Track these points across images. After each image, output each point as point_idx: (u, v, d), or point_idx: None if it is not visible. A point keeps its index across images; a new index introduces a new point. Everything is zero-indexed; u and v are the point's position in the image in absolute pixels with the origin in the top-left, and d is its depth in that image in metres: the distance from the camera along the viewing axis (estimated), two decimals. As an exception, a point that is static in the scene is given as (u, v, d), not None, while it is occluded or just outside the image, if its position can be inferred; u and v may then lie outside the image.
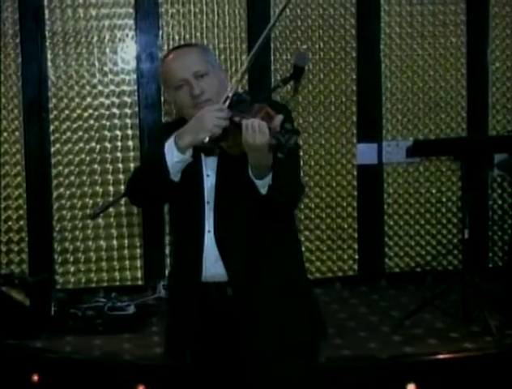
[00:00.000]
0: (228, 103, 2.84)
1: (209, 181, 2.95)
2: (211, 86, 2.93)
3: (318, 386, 3.08)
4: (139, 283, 6.01)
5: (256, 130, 2.65)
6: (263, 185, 2.78)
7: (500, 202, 6.25)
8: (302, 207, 6.00)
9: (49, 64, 5.82)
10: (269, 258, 2.96)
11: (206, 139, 2.79)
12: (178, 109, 3.04)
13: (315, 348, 3.07)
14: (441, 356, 4.57)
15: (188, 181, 2.93)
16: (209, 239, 2.94)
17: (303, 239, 5.93)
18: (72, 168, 5.89)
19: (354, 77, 6.06)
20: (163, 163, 2.85)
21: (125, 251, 5.98)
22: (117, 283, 5.98)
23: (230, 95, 2.85)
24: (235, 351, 2.98)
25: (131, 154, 5.93)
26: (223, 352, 3.01)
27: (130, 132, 5.93)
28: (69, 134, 5.87)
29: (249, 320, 2.94)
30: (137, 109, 5.92)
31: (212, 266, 2.94)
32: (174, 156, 2.84)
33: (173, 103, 3.05)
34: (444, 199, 6.20)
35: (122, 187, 5.88)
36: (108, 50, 5.89)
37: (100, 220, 5.89)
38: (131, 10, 5.88)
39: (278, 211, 2.93)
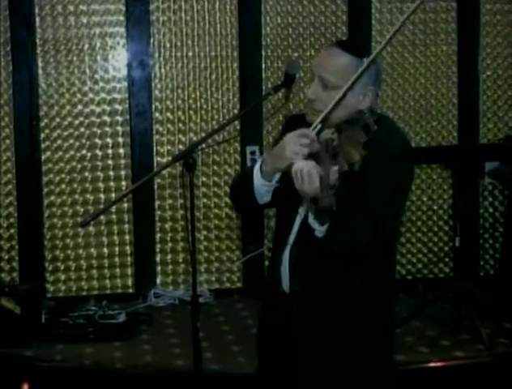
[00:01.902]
0: (317, 129, 2.68)
1: None
2: (330, 100, 2.72)
3: None
4: (130, 291, 5.99)
5: (304, 180, 2.49)
6: (320, 231, 2.61)
7: (491, 210, 6.26)
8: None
9: (40, 72, 5.82)
10: (338, 291, 2.80)
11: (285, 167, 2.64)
12: None
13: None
14: (432, 365, 4.57)
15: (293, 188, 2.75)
16: (286, 252, 2.85)
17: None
18: (63, 175, 5.88)
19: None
20: (249, 184, 2.76)
21: (116, 259, 5.97)
22: (108, 291, 5.96)
23: (319, 120, 2.70)
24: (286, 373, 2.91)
25: (122, 161, 5.93)
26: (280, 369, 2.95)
27: (120, 140, 5.93)
28: (60, 141, 5.86)
29: (298, 344, 2.85)
30: (128, 117, 5.92)
31: (284, 279, 2.87)
32: (260, 181, 2.74)
33: None
34: (435, 207, 6.20)
35: (113, 195, 5.88)
36: (99, 58, 5.89)
37: (90, 228, 5.88)
38: (122, 18, 5.88)
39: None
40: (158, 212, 6.00)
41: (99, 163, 5.92)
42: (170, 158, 5.48)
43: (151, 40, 5.91)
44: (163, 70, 5.93)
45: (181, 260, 6.02)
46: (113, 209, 5.89)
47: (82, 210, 5.90)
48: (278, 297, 2.90)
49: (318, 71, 2.79)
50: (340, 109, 2.74)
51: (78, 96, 5.88)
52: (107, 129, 5.91)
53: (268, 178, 2.74)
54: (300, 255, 2.82)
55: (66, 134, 5.87)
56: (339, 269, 2.78)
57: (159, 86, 5.94)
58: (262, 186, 2.76)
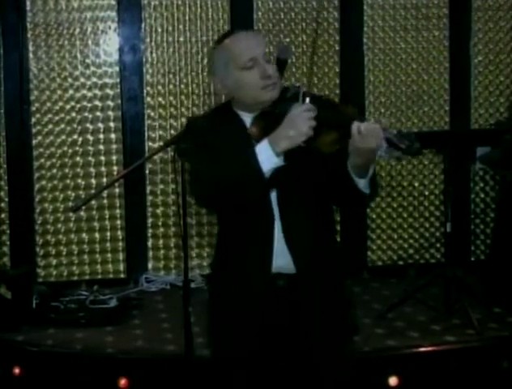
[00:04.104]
0: (307, 100, 2.79)
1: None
2: (275, 72, 2.91)
3: (353, 372, 3.08)
4: (121, 276, 6.00)
5: (374, 135, 2.66)
6: (365, 185, 2.79)
7: (482, 195, 6.27)
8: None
9: (31, 56, 5.80)
10: (326, 248, 2.98)
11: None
12: (239, 90, 2.92)
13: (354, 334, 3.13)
14: (423, 349, 4.58)
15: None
16: (276, 229, 2.91)
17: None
18: (54, 160, 5.87)
19: (337, 70, 6.06)
20: (259, 171, 2.75)
21: (108, 244, 5.97)
22: (99, 276, 5.97)
23: (303, 91, 2.82)
24: (289, 341, 2.97)
25: (113, 146, 5.92)
26: (276, 345, 2.98)
27: (112, 125, 5.92)
28: (51, 126, 5.85)
29: (307, 311, 2.94)
30: (119, 102, 5.91)
31: (280, 256, 2.91)
32: (273, 163, 2.76)
33: (232, 84, 2.93)
34: (426, 193, 6.21)
35: (105, 180, 5.87)
36: (90, 42, 5.87)
37: (82, 213, 5.87)
38: (113, 2, 5.86)
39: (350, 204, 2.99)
40: (149, 197, 6.00)
41: (90, 148, 5.91)
42: (162, 143, 5.49)
43: (143, 25, 5.89)
44: (154, 54, 5.92)
45: (172, 245, 6.02)
46: (105, 194, 5.89)
47: (73, 195, 5.89)
48: (268, 277, 2.92)
49: (258, 51, 2.91)
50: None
51: (70, 80, 5.86)
52: (98, 114, 5.90)
53: (279, 157, 2.78)
54: (295, 226, 2.90)
55: (57, 118, 5.86)
56: (326, 227, 3.01)
57: (150, 71, 5.92)
58: (271, 169, 2.77)
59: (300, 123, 2.72)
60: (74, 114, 5.87)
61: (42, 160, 5.86)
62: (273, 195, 2.90)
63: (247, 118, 2.92)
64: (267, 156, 2.75)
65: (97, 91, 5.89)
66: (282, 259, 2.90)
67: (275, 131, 2.76)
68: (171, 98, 5.96)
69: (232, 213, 2.99)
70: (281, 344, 2.96)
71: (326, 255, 2.96)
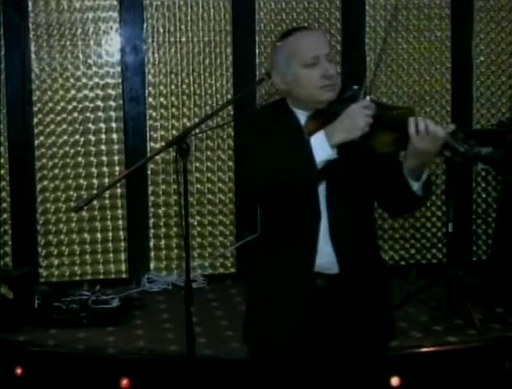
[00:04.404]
0: (368, 98, 2.82)
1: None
2: (337, 73, 2.93)
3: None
4: (123, 276, 6.00)
5: (433, 138, 2.66)
6: (418, 188, 2.81)
7: (484, 195, 6.27)
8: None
9: (33, 56, 5.80)
10: (368, 248, 3.01)
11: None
12: (298, 87, 2.91)
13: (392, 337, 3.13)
14: (425, 349, 4.58)
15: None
16: (322, 227, 2.90)
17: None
18: (56, 160, 5.87)
19: (339, 71, 6.06)
20: (312, 160, 2.73)
21: (110, 244, 5.97)
22: (101, 276, 5.97)
23: (364, 90, 2.85)
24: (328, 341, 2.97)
25: (115, 147, 5.92)
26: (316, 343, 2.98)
27: (114, 125, 5.92)
28: (53, 126, 5.85)
29: (347, 311, 2.94)
30: (121, 102, 5.91)
31: (324, 255, 2.91)
32: (327, 154, 2.73)
33: (292, 81, 2.92)
34: (428, 193, 6.20)
35: (106, 180, 5.87)
36: (92, 43, 5.87)
37: (84, 213, 5.88)
38: (115, 3, 5.86)
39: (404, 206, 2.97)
40: (151, 198, 6.00)
41: (92, 148, 5.91)
42: (163, 143, 5.49)
43: (145, 25, 5.89)
44: (156, 55, 5.92)
45: (174, 245, 6.03)
46: (107, 194, 5.89)
47: (75, 195, 5.90)
48: (310, 275, 2.92)
49: (322, 50, 2.90)
50: None
51: (72, 80, 5.86)
52: (100, 114, 5.90)
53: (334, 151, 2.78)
54: (341, 224, 2.90)
55: (59, 119, 5.86)
56: (368, 225, 3.04)
57: (152, 71, 5.92)
58: (323, 161, 2.75)
59: (357, 117, 2.71)
60: (76, 114, 5.88)
61: (44, 161, 5.86)
62: (321, 190, 2.89)
63: (302, 116, 2.93)
64: (322, 148, 2.74)
65: (99, 92, 5.89)
66: (325, 258, 2.90)
67: (331, 124, 2.76)
68: (173, 98, 5.96)
69: (279, 208, 2.94)
70: (319, 344, 2.96)
71: (368, 256, 2.98)
